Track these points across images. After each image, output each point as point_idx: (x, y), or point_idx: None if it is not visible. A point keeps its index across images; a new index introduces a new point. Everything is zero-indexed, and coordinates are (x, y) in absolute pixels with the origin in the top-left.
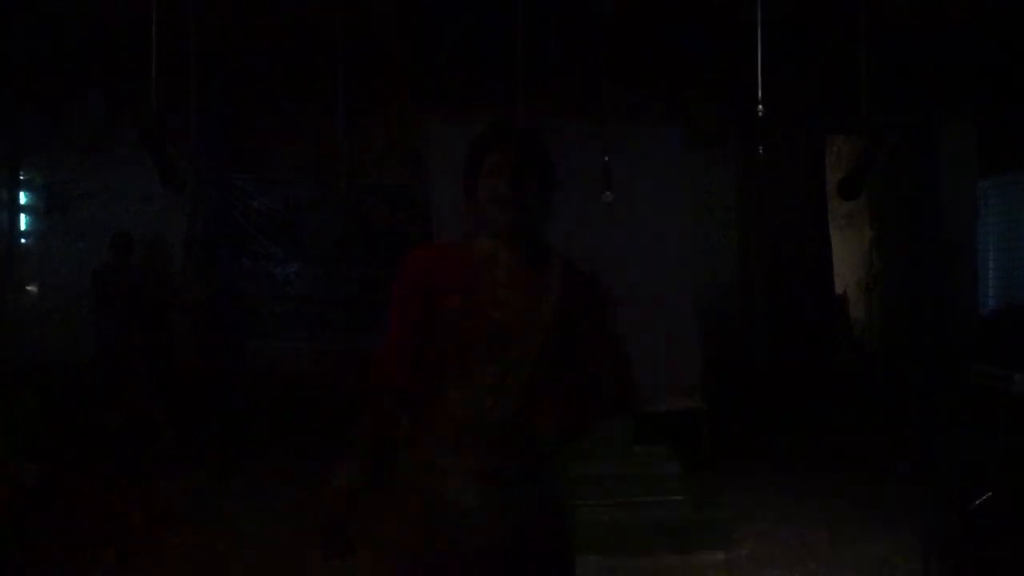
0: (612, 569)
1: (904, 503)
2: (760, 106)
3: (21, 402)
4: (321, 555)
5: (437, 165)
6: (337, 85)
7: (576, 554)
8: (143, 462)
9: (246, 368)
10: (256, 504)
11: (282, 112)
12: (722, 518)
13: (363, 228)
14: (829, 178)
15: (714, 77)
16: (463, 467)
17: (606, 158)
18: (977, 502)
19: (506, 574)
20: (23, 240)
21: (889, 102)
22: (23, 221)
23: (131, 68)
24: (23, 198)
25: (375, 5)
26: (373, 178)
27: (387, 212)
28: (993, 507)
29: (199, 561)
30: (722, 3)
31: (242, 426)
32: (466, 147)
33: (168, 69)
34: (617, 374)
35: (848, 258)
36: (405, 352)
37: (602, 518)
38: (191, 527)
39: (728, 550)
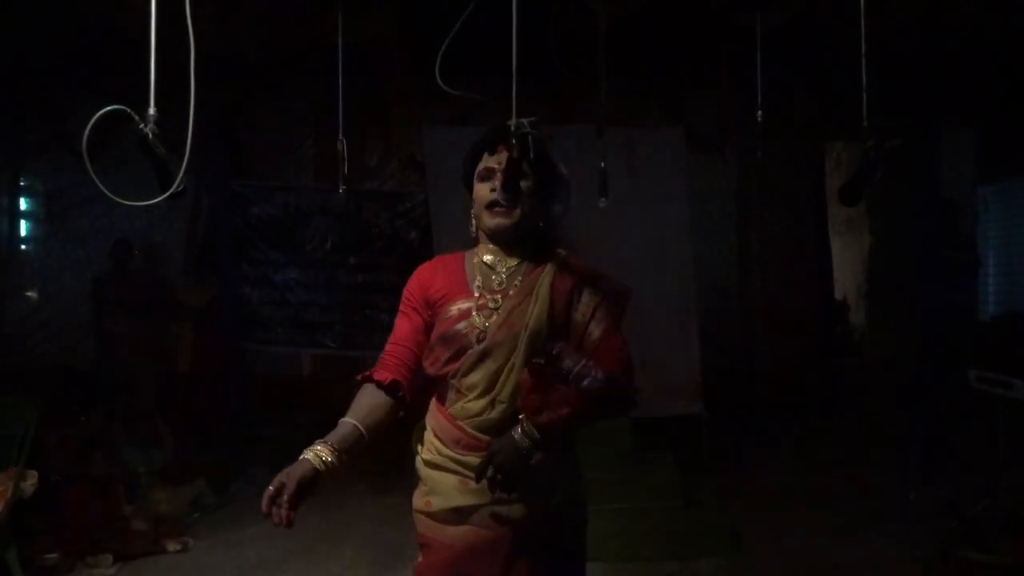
0: (612, 575)
1: (905, 508)
2: (759, 112)
3: (21, 408)
4: (260, 508)
5: (436, 171)
6: (336, 91)
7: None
8: (143, 468)
9: (245, 374)
10: (256, 511)
11: (281, 118)
12: (722, 524)
13: (362, 234)
14: (829, 184)
15: (713, 83)
16: (465, 466)
17: (602, 164)
18: (978, 507)
19: (510, 568)
20: (23, 246)
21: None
22: (23, 227)
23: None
24: (23, 204)
25: (374, 11)
26: (372, 184)
27: (386, 218)
28: (994, 512)
29: (199, 568)
30: (721, 8)
31: (242, 432)
32: (464, 151)
33: (167, 76)
34: (617, 373)
35: (848, 264)
36: (396, 359)
37: (602, 524)
38: (191, 534)
39: (728, 556)
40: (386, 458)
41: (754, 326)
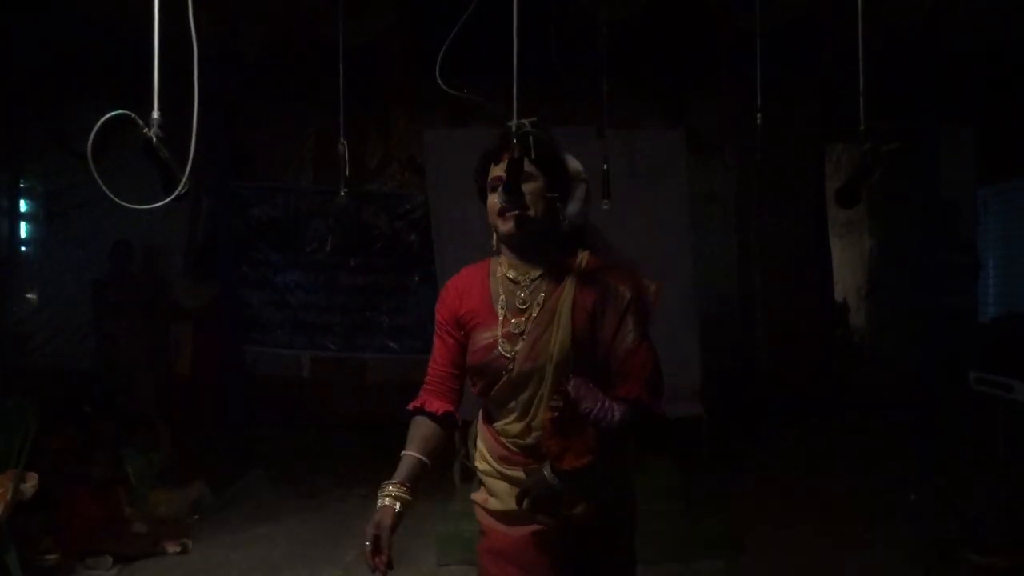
0: None
1: (905, 510)
2: (759, 114)
3: (21, 409)
4: (370, 565)
5: (436, 172)
6: (337, 93)
7: None
8: (143, 470)
9: (245, 375)
10: (256, 513)
11: (282, 120)
12: (723, 526)
13: (362, 236)
14: (829, 186)
15: (713, 85)
16: (512, 479)
17: (605, 166)
18: (978, 510)
19: (563, 560)
20: (23, 247)
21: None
22: (23, 228)
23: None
24: (23, 205)
25: (375, 13)
26: (372, 186)
27: (386, 220)
28: (994, 514)
29: (199, 570)
30: (722, 10)
31: (242, 434)
32: (465, 154)
33: (168, 77)
34: (643, 397)
35: (848, 266)
36: (441, 382)
37: None
38: (190, 535)
39: (729, 558)
40: (386, 461)
41: (754, 328)
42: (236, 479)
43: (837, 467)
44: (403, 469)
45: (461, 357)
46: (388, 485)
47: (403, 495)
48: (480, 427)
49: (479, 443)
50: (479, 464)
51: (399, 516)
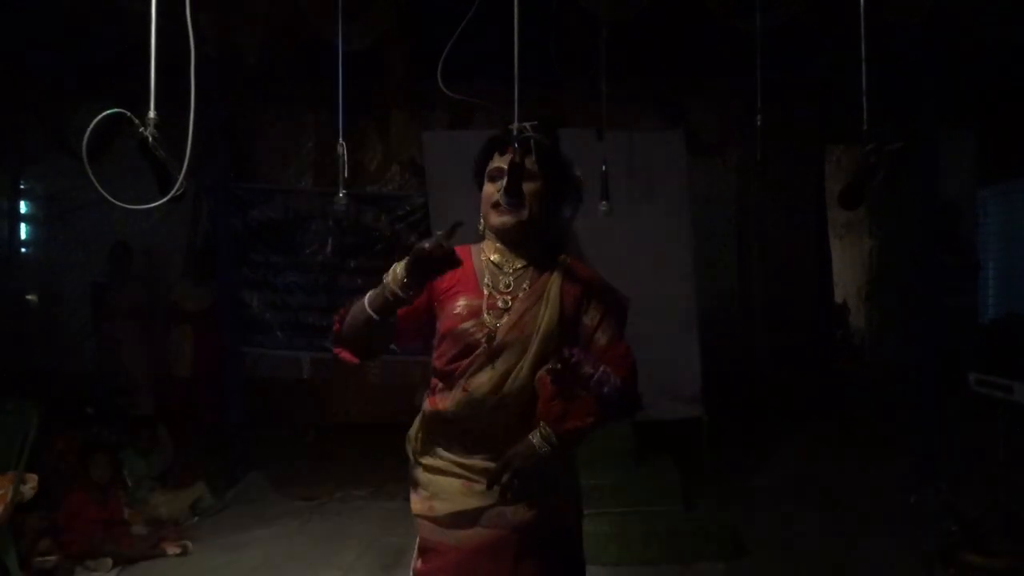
0: None
1: (906, 511)
2: (759, 115)
3: (21, 411)
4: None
5: (436, 174)
6: (337, 94)
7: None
8: (143, 472)
9: (245, 377)
10: (256, 514)
11: (282, 121)
12: (722, 527)
13: (362, 237)
14: (829, 187)
15: (713, 86)
16: (469, 469)
17: (603, 167)
18: (979, 511)
19: (516, 569)
20: (23, 249)
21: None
22: (23, 230)
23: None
24: (23, 207)
25: (375, 14)
26: (373, 187)
27: (386, 221)
28: (994, 515)
29: (199, 572)
30: (721, 12)
31: (241, 435)
32: (465, 156)
33: (167, 78)
34: (621, 378)
35: (848, 267)
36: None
37: (602, 528)
38: (190, 537)
39: (729, 560)
40: (386, 463)
41: (754, 329)
42: (236, 481)
43: (837, 468)
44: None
45: (419, 314)
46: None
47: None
48: (430, 417)
49: (421, 439)
50: (425, 461)
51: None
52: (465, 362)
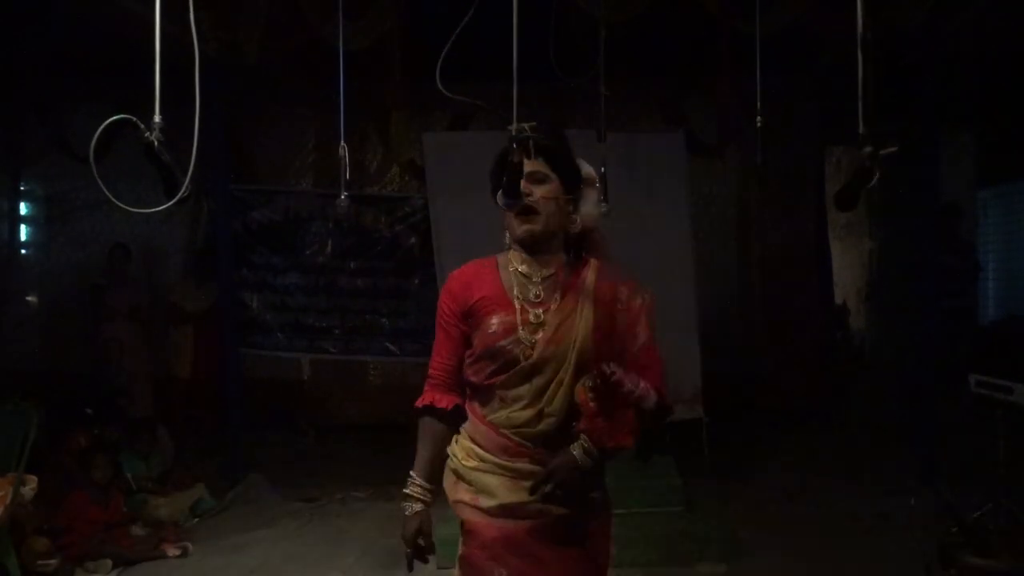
0: None
1: (905, 512)
2: (759, 117)
3: (21, 413)
4: (408, 565)
5: (436, 176)
6: (337, 96)
7: None
8: (143, 473)
9: (245, 378)
10: (255, 516)
11: (282, 123)
12: (723, 528)
13: (362, 239)
14: (828, 189)
15: (713, 88)
16: (513, 470)
17: (602, 168)
18: (978, 512)
19: (549, 556)
20: (23, 250)
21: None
22: (23, 231)
23: (133, 79)
24: (23, 208)
25: (375, 17)
26: (373, 189)
27: (386, 223)
28: (994, 517)
29: (199, 573)
30: (721, 14)
31: (241, 437)
32: (465, 157)
33: (168, 79)
34: (654, 383)
35: (848, 268)
36: (448, 375)
37: None
38: (190, 539)
39: (730, 561)
40: (386, 464)
41: (754, 330)
42: (236, 482)
43: (837, 469)
44: (424, 469)
45: (464, 349)
46: (415, 485)
47: (430, 499)
48: (473, 424)
49: (466, 442)
50: (466, 462)
51: (429, 513)
52: (503, 377)
